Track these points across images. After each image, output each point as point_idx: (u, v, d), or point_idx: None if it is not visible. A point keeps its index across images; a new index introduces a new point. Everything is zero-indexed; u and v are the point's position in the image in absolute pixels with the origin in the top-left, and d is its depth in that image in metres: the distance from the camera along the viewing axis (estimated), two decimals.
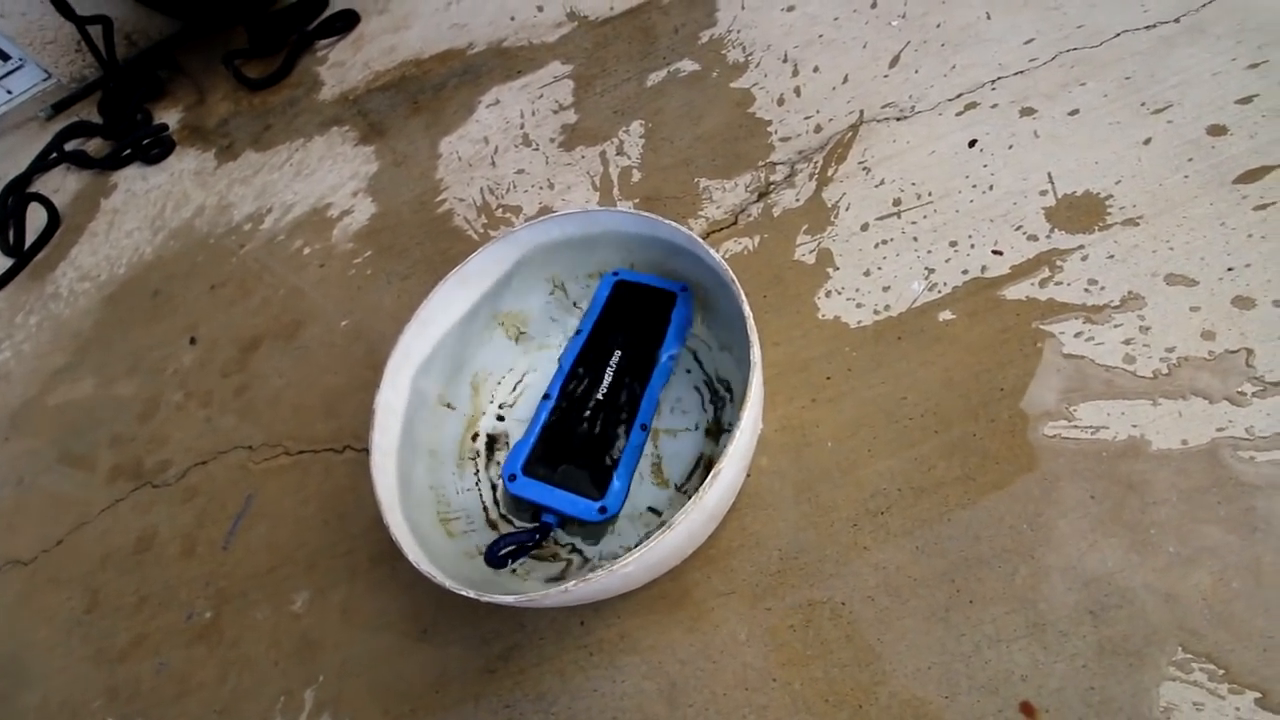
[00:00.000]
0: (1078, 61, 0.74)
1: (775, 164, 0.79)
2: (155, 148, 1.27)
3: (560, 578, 0.56)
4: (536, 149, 0.94)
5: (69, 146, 1.38)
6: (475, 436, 0.63)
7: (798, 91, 0.84)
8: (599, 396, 0.58)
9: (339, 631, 0.65)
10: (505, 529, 0.63)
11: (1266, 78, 0.66)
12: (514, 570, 0.56)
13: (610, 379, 0.59)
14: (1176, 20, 0.73)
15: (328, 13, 1.34)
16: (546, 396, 0.61)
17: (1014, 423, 0.56)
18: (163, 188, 1.21)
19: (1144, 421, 0.54)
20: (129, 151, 1.29)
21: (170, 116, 1.35)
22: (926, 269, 0.66)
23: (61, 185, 1.35)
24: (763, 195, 0.77)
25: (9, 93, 1.53)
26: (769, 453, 0.61)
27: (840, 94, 0.82)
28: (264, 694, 0.64)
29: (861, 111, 0.79)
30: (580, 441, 0.57)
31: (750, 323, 0.46)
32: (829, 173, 0.76)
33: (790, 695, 0.51)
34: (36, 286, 1.17)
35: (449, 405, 0.61)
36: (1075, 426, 0.55)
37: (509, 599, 0.41)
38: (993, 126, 0.73)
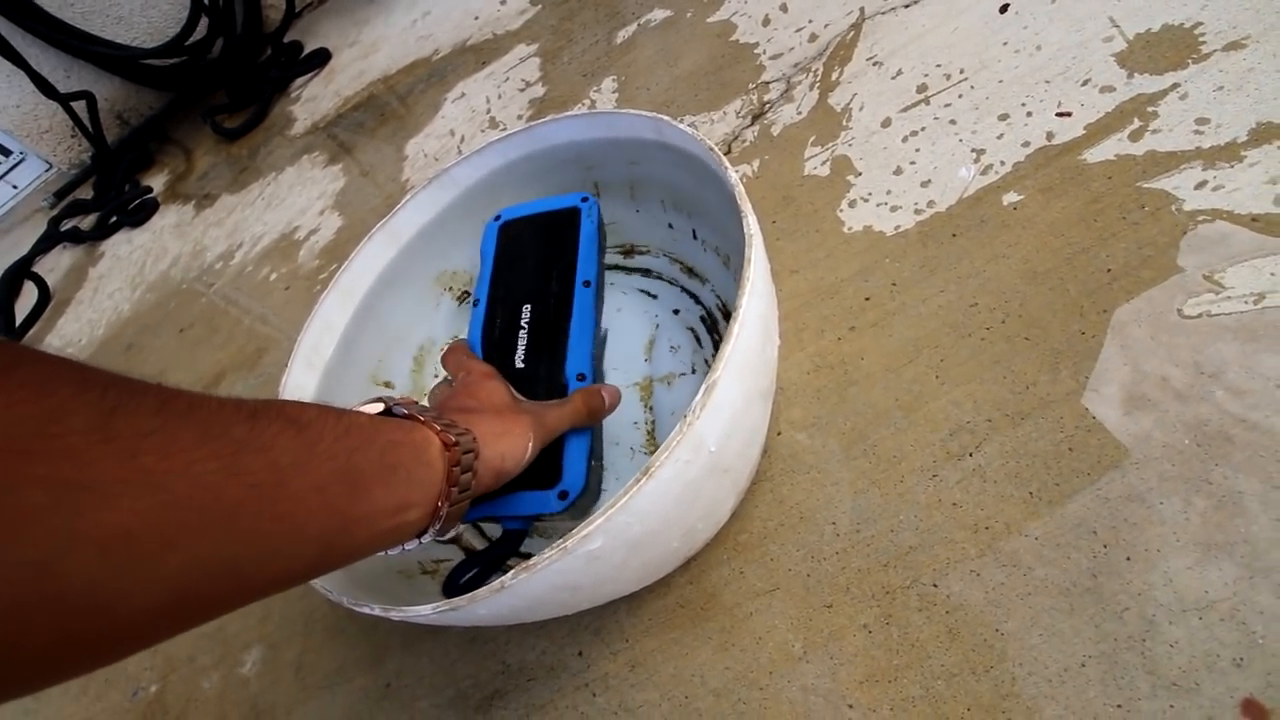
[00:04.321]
0: None
1: (768, 83, 0.67)
2: (139, 211, 1.24)
3: None
4: (504, 129, 0.85)
5: (65, 226, 1.38)
6: None
7: (784, 8, 0.73)
8: (519, 366, 0.44)
9: (292, 695, 0.52)
10: (481, 544, 0.49)
11: None
12: None
13: (526, 340, 0.45)
14: None
15: (302, 55, 1.31)
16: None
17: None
18: (144, 246, 1.17)
19: None
20: (115, 219, 1.27)
21: (158, 181, 1.33)
22: (974, 150, 0.52)
23: (57, 264, 1.33)
24: (757, 117, 0.65)
25: (14, 187, 1.55)
26: (801, 401, 0.47)
27: None
28: None
29: (861, 9, 0.67)
30: None
31: (733, 178, 0.33)
32: (833, 77, 0.64)
33: None
34: None
35: (387, 384, 0.49)
36: (1228, 298, 0.39)
37: (424, 610, 0.27)
38: None
